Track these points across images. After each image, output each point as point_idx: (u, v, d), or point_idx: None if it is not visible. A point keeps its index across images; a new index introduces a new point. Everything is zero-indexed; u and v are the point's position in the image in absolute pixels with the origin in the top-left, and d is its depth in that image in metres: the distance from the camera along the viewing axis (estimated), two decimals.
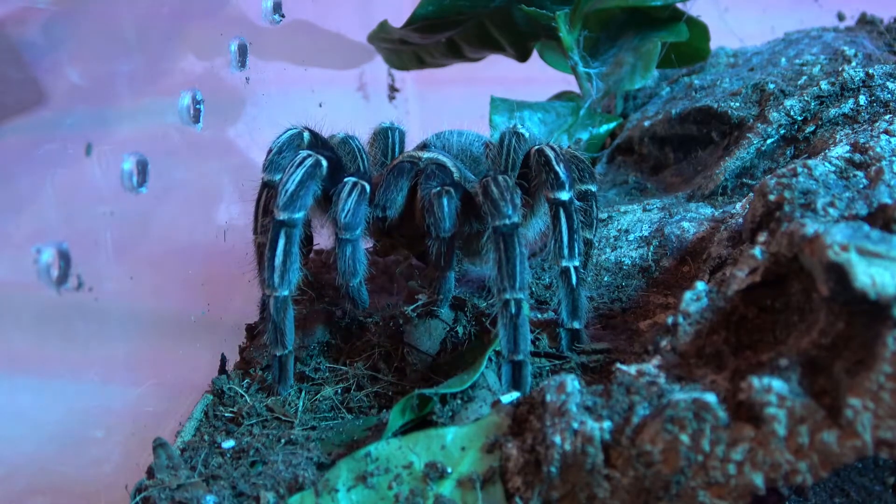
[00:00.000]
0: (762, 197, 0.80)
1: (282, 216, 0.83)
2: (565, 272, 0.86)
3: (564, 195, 0.86)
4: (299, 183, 0.84)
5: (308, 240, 1.07)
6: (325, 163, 0.87)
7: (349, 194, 0.86)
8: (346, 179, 0.87)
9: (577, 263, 0.86)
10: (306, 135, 0.96)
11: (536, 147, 0.89)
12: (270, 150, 0.94)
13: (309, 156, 0.87)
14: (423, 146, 1.05)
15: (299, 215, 0.84)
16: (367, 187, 0.88)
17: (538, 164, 0.88)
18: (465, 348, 0.90)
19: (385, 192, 0.92)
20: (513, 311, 0.79)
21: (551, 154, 0.87)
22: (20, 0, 0.81)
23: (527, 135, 1.01)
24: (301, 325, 0.99)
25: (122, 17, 0.91)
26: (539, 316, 0.95)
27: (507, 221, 0.80)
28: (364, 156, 1.06)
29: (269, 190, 0.93)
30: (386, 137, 1.12)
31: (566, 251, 0.86)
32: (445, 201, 0.86)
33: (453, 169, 0.97)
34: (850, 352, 0.61)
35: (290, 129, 0.96)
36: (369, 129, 1.14)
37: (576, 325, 0.88)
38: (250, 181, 0.97)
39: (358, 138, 1.06)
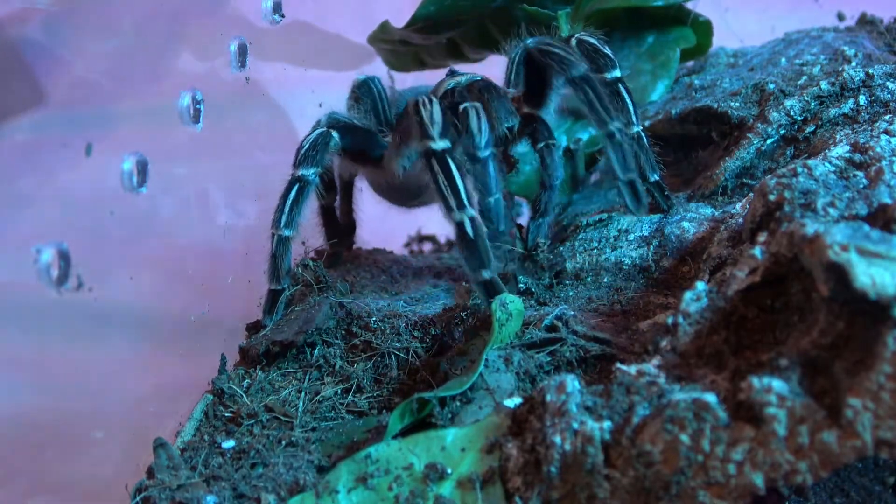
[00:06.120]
0: (762, 197, 0.80)
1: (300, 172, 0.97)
2: (637, 136, 1.01)
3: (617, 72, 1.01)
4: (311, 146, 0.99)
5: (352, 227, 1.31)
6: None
7: (477, 118, 0.92)
8: (464, 106, 0.93)
9: (641, 129, 1.01)
10: (334, 133, 1.02)
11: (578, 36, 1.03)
12: (301, 147, 0.99)
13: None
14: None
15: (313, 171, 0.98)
16: (481, 106, 0.95)
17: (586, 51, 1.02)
18: (465, 345, 0.90)
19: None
20: (617, 138, 0.96)
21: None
22: (20, 0, 0.81)
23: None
24: (304, 320, 0.99)
25: (122, 17, 0.91)
26: (538, 311, 0.95)
27: (582, 69, 0.96)
28: (385, 99, 1.17)
29: (300, 183, 0.98)
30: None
31: (634, 118, 1.00)
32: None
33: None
34: (850, 352, 0.61)
35: (318, 128, 1.02)
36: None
37: (656, 176, 1.03)
38: (250, 181, 0.97)
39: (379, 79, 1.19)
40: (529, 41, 1.08)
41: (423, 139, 0.88)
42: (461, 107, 0.93)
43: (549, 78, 1.05)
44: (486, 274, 0.87)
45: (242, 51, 1.10)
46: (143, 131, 0.92)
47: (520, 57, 1.11)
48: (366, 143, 1.09)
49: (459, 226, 0.86)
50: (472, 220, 0.86)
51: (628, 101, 1.00)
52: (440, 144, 0.88)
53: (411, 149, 1.00)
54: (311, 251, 1.28)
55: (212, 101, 0.99)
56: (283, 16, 1.19)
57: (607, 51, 1.01)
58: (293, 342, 0.96)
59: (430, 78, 1.60)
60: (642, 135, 1.02)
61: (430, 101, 0.91)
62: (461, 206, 0.86)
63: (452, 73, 1.12)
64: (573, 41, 1.02)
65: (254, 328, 1.08)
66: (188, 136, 0.98)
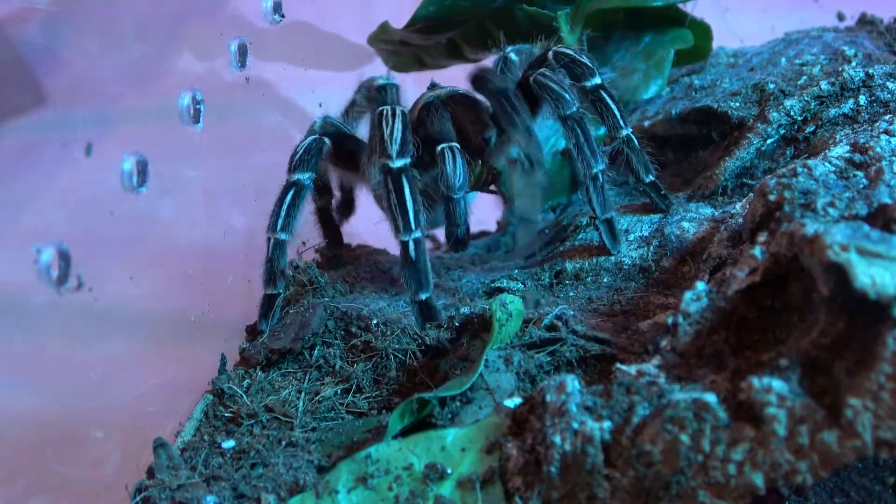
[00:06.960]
0: (762, 197, 0.80)
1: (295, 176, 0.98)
2: (627, 139, 1.01)
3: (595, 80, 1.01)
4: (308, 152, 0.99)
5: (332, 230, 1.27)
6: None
7: (454, 160, 0.93)
8: (441, 147, 0.93)
9: (630, 131, 1.01)
10: (326, 140, 1.03)
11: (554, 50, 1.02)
12: (296, 153, 1.00)
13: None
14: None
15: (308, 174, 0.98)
16: (458, 147, 0.95)
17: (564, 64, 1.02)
18: (465, 345, 0.90)
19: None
20: (600, 181, 0.97)
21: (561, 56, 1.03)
22: (20, 0, 0.81)
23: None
24: (300, 325, 0.99)
25: (122, 17, 0.91)
26: (538, 312, 0.94)
27: (574, 107, 0.96)
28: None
29: (296, 188, 0.99)
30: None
31: (621, 122, 1.01)
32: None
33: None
34: (850, 352, 0.61)
35: (311, 135, 1.02)
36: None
37: (651, 177, 1.04)
38: (250, 181, 0.97)
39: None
40: (509, 50, 1.13)
41: (381, 156, 0.90)
42: (438, 148, 0.93)
43: (541, 105, 1.06)
44: (422, 295, 0.90)
45: (242, 51, 1.10)
46: (143, 131, 0.92)
47: (502, 69, 1.14)
48: (355, 151, 1.09)
49: (404, 245, 0.89)
50: (416, 241, 0.88)
51: (613, 106, 1.00)
52: (397, 163, 0.89)
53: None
54: (303, 251, 1.28)
55: (212, 101, 0.99)
56: (283, 16, 1.19)
57: (584, 59, 1.01)
58: (291, 349, 0.96)
59: (430, 78, 1.60)
60: (632, 137, 1.01)
61: (394, 115, 0.92)
62: (407, 229, 0.88)
63: (433, 86, 1.13)
64: (550, 55, 1.02)
65: (253, 330, 1.08)
66: (188, 136, 0.98)
